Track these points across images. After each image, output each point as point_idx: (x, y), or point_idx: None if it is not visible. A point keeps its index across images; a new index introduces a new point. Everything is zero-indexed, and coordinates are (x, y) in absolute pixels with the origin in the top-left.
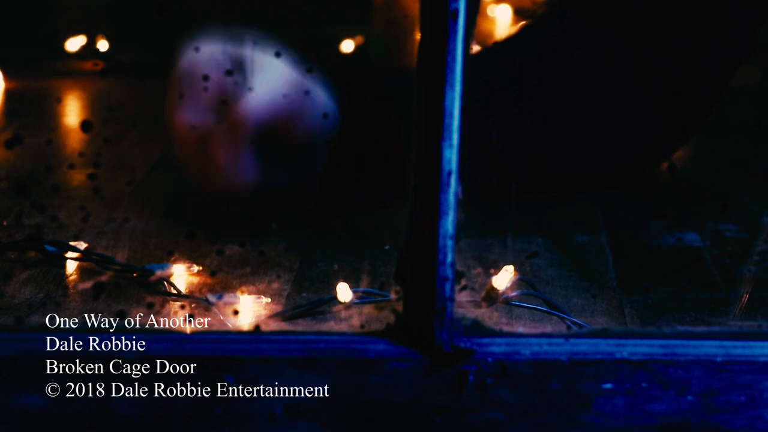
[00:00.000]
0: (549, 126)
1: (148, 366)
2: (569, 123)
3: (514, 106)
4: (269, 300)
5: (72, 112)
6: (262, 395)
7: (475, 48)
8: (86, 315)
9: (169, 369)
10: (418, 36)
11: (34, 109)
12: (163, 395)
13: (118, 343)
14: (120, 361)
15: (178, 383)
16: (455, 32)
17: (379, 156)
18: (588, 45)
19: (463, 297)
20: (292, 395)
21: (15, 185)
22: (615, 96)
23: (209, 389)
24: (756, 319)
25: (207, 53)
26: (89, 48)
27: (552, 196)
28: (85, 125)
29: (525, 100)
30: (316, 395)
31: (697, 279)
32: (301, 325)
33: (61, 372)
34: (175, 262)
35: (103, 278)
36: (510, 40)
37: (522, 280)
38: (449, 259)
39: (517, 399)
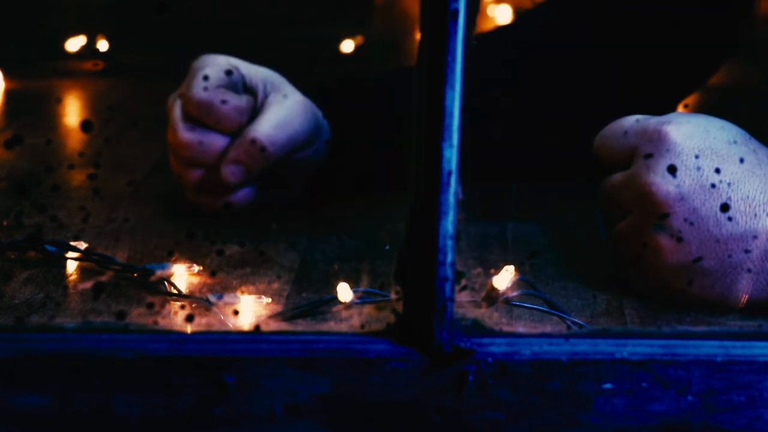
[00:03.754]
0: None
1: (148, 366)
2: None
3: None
4: (269, 300)
5: (72, 112)
6: (262, 395)
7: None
8: (86, 315)
9: (169, 369)
10: (418, 36)
11: (34, 109)
12: (163, 395)
13: (118, 343)
14: (120, 361)
15: (178, 383)
16: (455, 32)
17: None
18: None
19: (463, 297)
20: (292, 395)
21: (15, 185)
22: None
23: (209, 389)
24: (756, 319)
25: (223, 76)
26: (89, 48)
27: (551, 195)
28: (85, 125)
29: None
30: (316, 395)
31: None
32: (301, 325)
33: (61, 372)
34: (175, 262)
35: (103, 278)
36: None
37: (522, 280)
38: (449, 259)
39: (517, 399)
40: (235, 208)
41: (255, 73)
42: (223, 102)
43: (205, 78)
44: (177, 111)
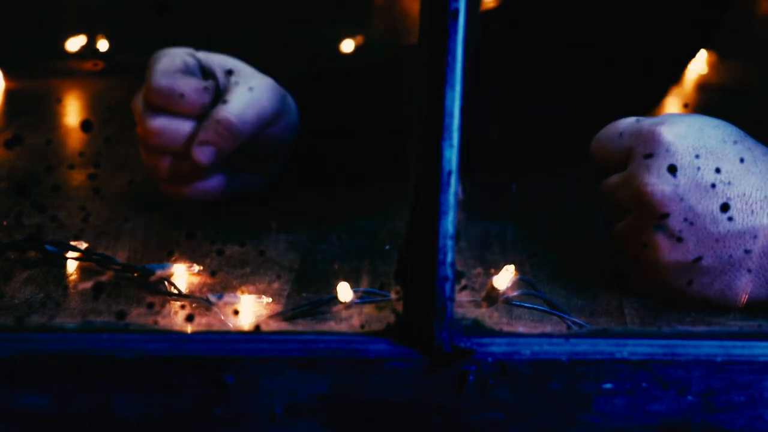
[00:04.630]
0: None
1: (148, 366)
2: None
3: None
4: (269, 300)
5: (72, 112)
6: (262, 395)
7: None
8: (86, 315)
9: (169, 369)
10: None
11: (34, 109)
12: (163, 395)
13: (118, 343)
14: (120, 361)
15: (178, 383)
16: (455, 32)
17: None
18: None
19: (463, 297)
20: (292, 395)
21: (15, 185)
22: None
23: (209, 389)
24: (756, 319)
25: (180, 63)
26: (89, 48)
27: (552, 194)
28: (85, 125)
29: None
30: (316, 395)
31: None
32: (301, 325)
33: (61, 372)
34: (175, 262)
35: (103, 278)
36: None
37: (522, 280)
38: (449, 259)
39: (517, 399)
40: (208, 198)
41: (212, 58)
42: (182, 83)
43: (163, 67)
44: (140, 103)
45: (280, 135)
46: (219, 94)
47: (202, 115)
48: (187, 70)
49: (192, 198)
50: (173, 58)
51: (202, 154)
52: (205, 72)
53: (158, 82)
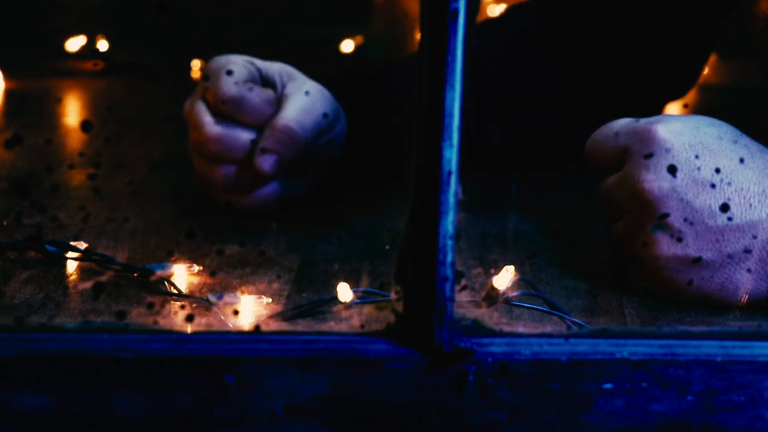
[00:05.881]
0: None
1: (148, 366)
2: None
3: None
4: (269, 300)
5: (72, 112)
6: (262, 395)
7: None
8: (86, 315)
9: (169, 369)
10: (418, 36)
11: (34, 109)
12: (163, 395)
13: (118, 343)
14: (120, 361)
15: (178, 383)
16: (455, 32)
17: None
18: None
19: (463, 297)
20: (292, 395)
21: (15, 185)
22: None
23: (209, 389)
24: (756, 319)
25: (246, 73)
26: (89, 48)
27: (552, 194)
28: (85, 125)
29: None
30: (316, 395)
31: None
32: (301, 325)
33: (61, 372)
34: (175, 262)
35: (103, 278)
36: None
37: (522, 280)
38: (449, 259)
39: (517, 399)
40: (265, 206)
41: (270, 66)
42: (253, 94)
43: (230, 73)
44: (201, 108)
45: (334, 142)
46: (277, 103)
47: (262, 125)
48: (252, 79)
49: (251, 206)
50: (238, 67)
51: (265, 163)
52: (265, 80)
53: (230, 90)
